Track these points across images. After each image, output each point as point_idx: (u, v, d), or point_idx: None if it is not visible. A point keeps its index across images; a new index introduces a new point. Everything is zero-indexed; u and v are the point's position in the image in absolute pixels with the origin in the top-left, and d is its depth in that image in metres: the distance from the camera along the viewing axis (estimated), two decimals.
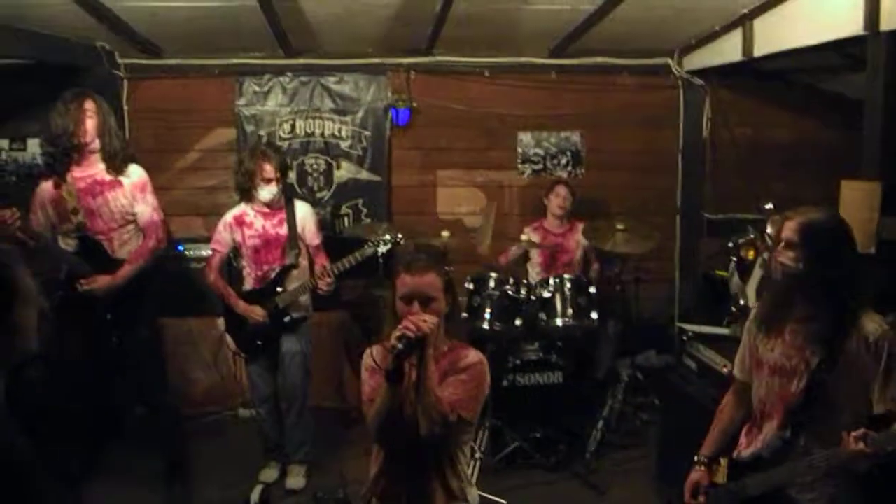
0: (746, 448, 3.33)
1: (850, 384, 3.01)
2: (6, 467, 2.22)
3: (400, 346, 2.82)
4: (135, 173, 5.25)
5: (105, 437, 6.19)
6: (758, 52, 5.99)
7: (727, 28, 6.39)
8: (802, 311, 3.12)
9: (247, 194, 5.53)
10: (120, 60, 7.14)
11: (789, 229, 3.09)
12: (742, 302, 5.60)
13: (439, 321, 3.05)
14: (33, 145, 7.20)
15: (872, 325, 3.01)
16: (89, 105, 5.06)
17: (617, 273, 6.65)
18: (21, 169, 7.26)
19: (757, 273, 5.52)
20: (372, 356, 3.21)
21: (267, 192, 5.43)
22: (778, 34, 5.72)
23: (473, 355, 3.21)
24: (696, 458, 3.46)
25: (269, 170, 5.38)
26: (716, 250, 7.03)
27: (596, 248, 6.78)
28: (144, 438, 5.80)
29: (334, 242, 5.98)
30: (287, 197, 5.67)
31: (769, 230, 5.71)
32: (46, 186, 5.14)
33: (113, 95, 6.59)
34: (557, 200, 6.90)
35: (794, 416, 3.10)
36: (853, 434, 2.80)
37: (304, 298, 5.63)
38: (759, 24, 5.97)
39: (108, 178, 5.14)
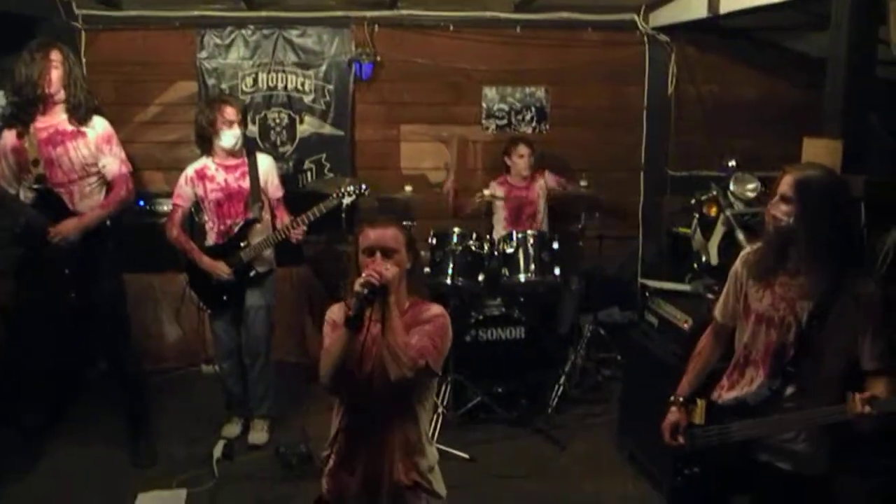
0: (728, 391, 3.36)
1: (837, 340, 3.07)
2: None
3: (364, 291, 2.84)
4: (100, 125, 5.18)
5: (66, 393, 6.16)
6: (724, 9, 5.95)
7: None
8: (794, 265, 3.15)
9: (207, 145, 5.49)
10: (77, 11, 6.99)
11: (786, 184, 3.09)
12: (704, 259, 5.64)
13: (401, 272, 3.06)
14: None
15: (862, 281, 3.07)
16: (55, 55, 4.99)
17: (581, 229, 6.66)
18: None
19: (719, 230, 5.55)
20: (335, 312, 3.21)
21: (230, 135, 5.39)
22: None
23: (436, 308, 3.21)
24: (671, 399, 3.49)
25: (230, 111, 5.36)
26: (679, 207, 7.08)
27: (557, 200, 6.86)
28: (107, 394, 5.78)
29: (298, 197, 5.93)
30: (248, 150, 5.63)
31: (732, 187, 5.74)
32: (9, 136, 5.07)
33: (70, 47, 6.46)
34: (520, 161, 6.89)
35: (783, 368, 3.15)
36: (859, 396, 2.86)
37: (268, 252, 5.60)
38: None
39: (69, 128, 5.06)
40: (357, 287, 2.87)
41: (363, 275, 2.90)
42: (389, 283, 2.91)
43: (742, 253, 3.45)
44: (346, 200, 5.50)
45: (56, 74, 4.98)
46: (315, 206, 5.45)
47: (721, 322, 3.51)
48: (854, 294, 3.03)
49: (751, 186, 5.74)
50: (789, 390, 3.15)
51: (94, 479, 5.17)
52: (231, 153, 5.48)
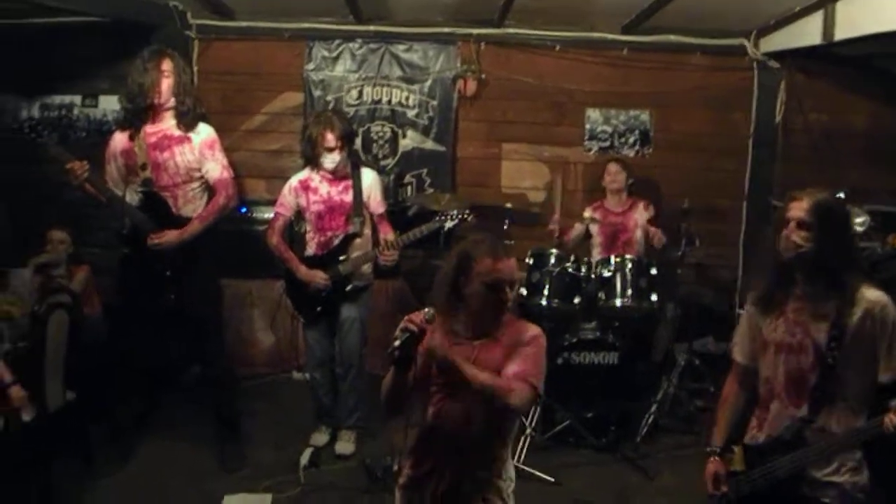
0: (759, 431, 3.30)
1: (858, 358, 3.02)
2: None
3: (396, 343, 2.93)
4: (204, 131, 5.31)
5: (160, 392, 6.29)
6: (839, 35, 5.81)
7: (808, 10, 6.19)
8: (803, 289, 3.12)
9: (311, 161, 5.54)
10: (192, 21, 7.18)
11: (800, 209, 3.05)
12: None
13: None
14: (105, 102, 7.31)
15: (873, 295, 3.03)
16: (166, 65, 5.16)
17: (680, 256, 6.54)
18: (92, 125, 7.38)
19: None
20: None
21: (329, 160, 5.44)
22: (860, 18, 5.53)
23: (534, 328, 3.21)
24: (707, 451, 3.46)
25: (330, 139, 5.38)
26: None
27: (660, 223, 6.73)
28: (200, 396, 5.87)
29: (397, 211, 5.96)
30: (353, 164, 5.65)
31: None
32: (120, 137, 5.25)
33: (183, 55, 6.63)
34: (608, 178, 6.82)
35: (809, 395, 3.10)
36: (893, 404, 2.84)
37: (367, 267, 5.63)
38: (841, 6, 5.78)
39: (177, 133, 5.21)
40: (395, 343, 2.93)
41: (400, 327, 2.95)
42: (425, 330, 2.96)
43: (751, 291, 3.41)
44: (449, 224, 5.47)
45: (166, 84, 5.14)
46: (415, 229, 5.46)
47: (743, 363, 3.44)
48: (868, 307, 2.99)
49: (860, 220, 5.59)
50: (820, 416, 3.08)
51: (182, 479, 5.26)
52: (333, 172, 5.54)
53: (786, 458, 3.13)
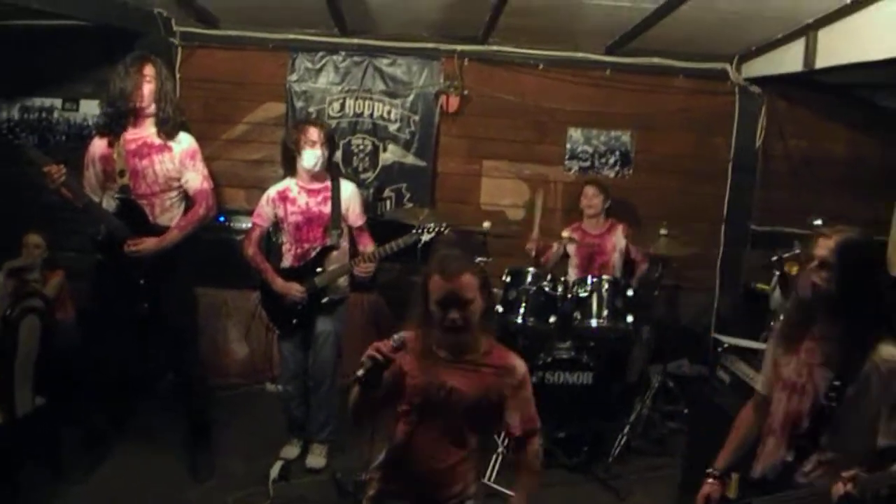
0: (756, 465, 3.28)
1: (859, 415, 2.95)
2: None
3: (360, 373, 2.93)
4: (185, 140, 5.29)
5: (134, 400, 6.24)
6: (820, 63, 5.84)
7: (790, 37, 6.24)
8: (821, 330, 3.06)
9: (291, 165, 5.53)
10: (176, 28, 7.15)
11: (826, 248, 2.98)
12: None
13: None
14: (85, 106, 7.27)
15: (889, 353, 2.92)
16: (149, 70, 5.14)
17: (657, 278, 6.56)
18: (72, 129, 7.32)
19: None
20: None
21: (311, 155, 5.39)
22: (842, 46, 5.58)
23: (520, 364, 3.21)
24: (707, 471, 3.41)
25: (313, 132, 5.37)
26: (759, 263, 6.91)
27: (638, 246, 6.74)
28: (173, 405, 5.82)
29: (375, 225, 5.94)
30: (333, 176, 5.64)
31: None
32: (99, 143, 5.22)
33: (166, 62, 6.61)
34: (585, 201, 6.86)
35: (797, 439, 3.06)
36: (843, 474, 2.74)
37: (343, 280, 5.61)
38: (823, 34, 5.82)
39: (157, 141, 5.18)
40: (359, 372, 2.92)
41: (364, 356, 2.94)
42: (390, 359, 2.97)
43: (778, 324, 3.36)
44: (425, 238, 5.45)
45: (148, 89, 5.12)
46: (391, 242, 5.44)
47: (763, 394, 3.40)
48: (878, 364, 2.90)
49: None
50: (807, 463, 3.04)
51: (153, 487, 5.21)
52: (313, 175, 5.50)
53: (763, 498, 3.10)
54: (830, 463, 2.99)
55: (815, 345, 3.07)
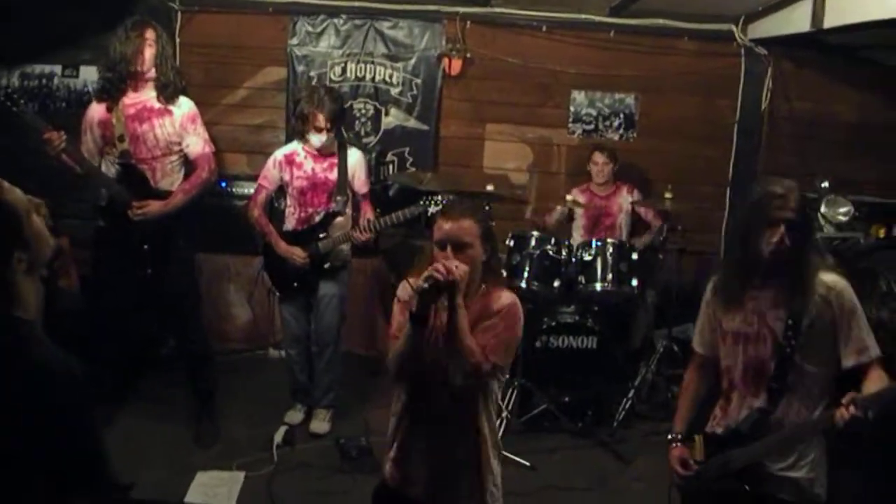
0: (720, 421, 3.28)
1: (816, 345, 3.01)
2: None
3: (425, 285, 2.77)
4: (185, 105, 5.27)
5: (136, 366, 6.24)
6: (828, 23, 5.74)
7: None
8: (763, 280, 3.09)
9: (300, 135, 5.52)
10: None
11: (789, 210, 2.96)
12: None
13: (471, 269, 2.95)
14: (86, 72, 7.19)
15: (830, 279, 3.03)
16: (150, 34, 5.11)
17: (661, 241, 6.52)
18: (72, 96, 7.25)
19: None
20: (405, 290, 3.13)
21: (316, 139, 5.40)
22: (850, 6, 5.48)
23: (506, 297, 3.10)
24: (669, 437, 3.43)
25: (321, 119, 5.32)
26: None
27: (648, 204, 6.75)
28: (176, 372, 5.83)
29: (377, 190, 5.91)
30: (340, 143, 5.62)
31: (823, 209, 5.57)
32: (97, 108, 5.20)
33: (166, 27, 6.54)
34: (595, 168, 6.83)
35: (768, 385, 3.07)
36: (843, 401, 2.79)
37: (346, 247, 5.60)
38: None
39: (157, 105, 5.17)
40: (420, 280, 2.81)
41: (430, 268, 2.82)
42: (457, 283, 2.82)
43: (711, 281, 3.36)
44: (432, 209, 5.37)
45: (149, 53, 5.09)
46: (399, 212, 5.40)
47: (702, 353, 3.42)
48: (824, 293, 2.99)
49: (843, 210, 5.59)
50: (779, 407, 3.05)
51: (156, 454, 5.22)
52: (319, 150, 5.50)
53: (741, 450, 3.11)
54: (797, 400, 3.04)
55: (758, 292, 3.10)
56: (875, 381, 2.91)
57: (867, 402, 2.75)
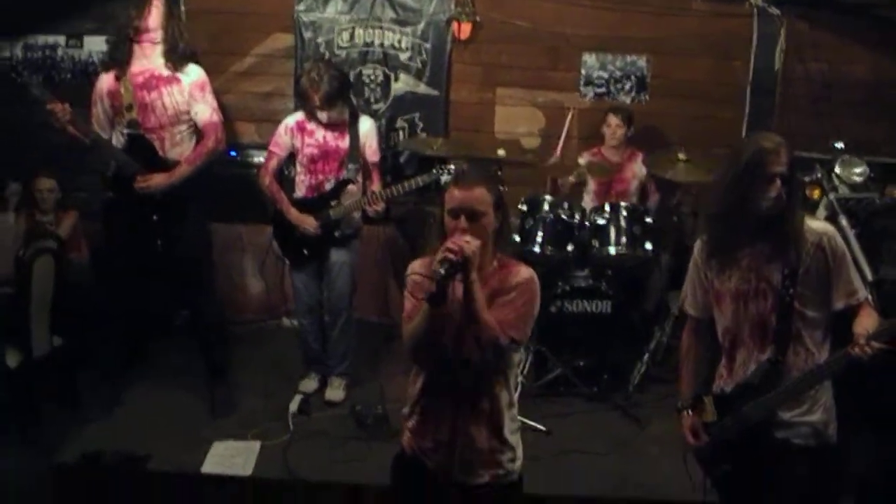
0: (728, 379, 3.29)
1: (814, 291, 3.07)
2: None
3: (442, 270, 2.74)
4: (194, 72, 5.22)
5: (148, 338, 6.24)
6: None
7: None
8: (754, 236, 3.11)
9: (304, 111, 5.51)
10: None
11: (781, 164, 3.01)
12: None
13: (483, 243, 2.92)
14: (90, 43, 7.14)
15: (818, 226, 3.13)
16: (157, 1, 5.04)
17: (676, 204, 6.47)
18: (77, 66, 7.20)
19: (821, 214, 5.34)
20: (416, 270, 3.12)
21: (324, 115, 5.37)
22: None
23: (524, 272, 3.09)
24: (678, 406, 3.45)
25: (316, 99, 5.28)
26: None
27: (655, 176, 6.62)
28: (189, 342, 5.81)
29: (388, 157, 5.86)
30: (351, 111, 5.58)
31: (838, 170, 5.51)
32: (106, 78, 5.17)
33: None
34: (608, 131, 6.75)
35: (773, 337, 3.10)
36: (860, 340, 2.86)
37: (357, 214, 5.57)
38: None
39: (165, 73, 5.12)
40: (435, 265, 2.77)
41: (442, 248, 2.79)
42: (471, 258, 2.78)
43: (698, 242, 3.38)
44: (444, 178, 5.31)
45: (156, 13, 5.04)
46: (411, 180, 5.38)
47: (696, 316, 3.44)
48: (815, 240, 3.06)
49: (858, 170, 5.53)
50: (787, 356, 3.08)
51: (171, 425, 5.22)
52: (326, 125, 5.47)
53: (756, 401, 3.13)
54: (806, 347, 3.10)
55: (751, 250, 3.13)
56: (867, 319, 3.00)
57: (880, 334, 2.82)
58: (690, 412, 3.38)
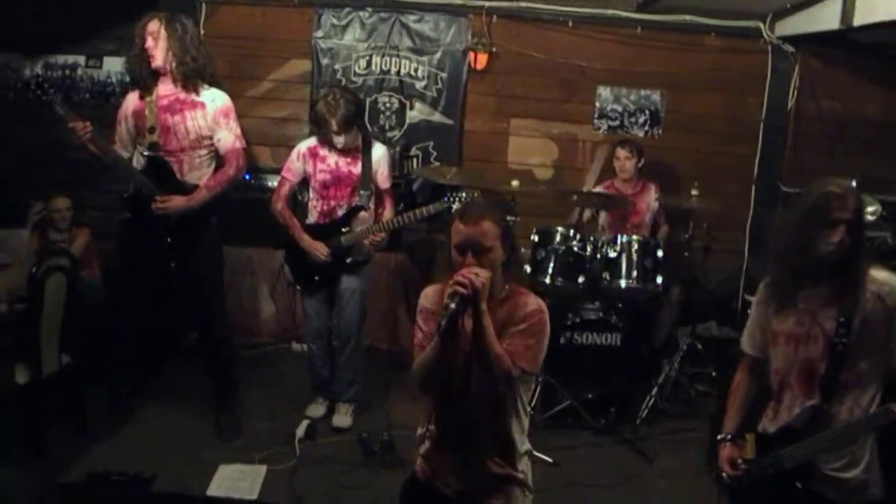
0: (772, 421, 3.24)
1: (869, 343, 2.97)
2: None
3: (452, 304, 2.75)
4: (220, 98, 5.24)
5: (159, 359, 6.25)
6: (858, 21, 5.67)
7: None
8: (820, 278, 3.04)
9: (319, 135, 5.53)
10: None
11: (848, 211, 2.94)
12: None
13: (492, 275, 2.92)
14: (109, 63, 7.23)
15: (882, 276, 2.99)
16: (152, 27, 5.04)
17: (687, 239, 6.48)
18: (96, 87, 7.30)
19: None
20: (429, 297, 3.13)
21: (335, 141, 5.38)
22: (881, 3, 5.41)
23: (533, 302, 3.08)
24: (720, 437, 3.40)
25: (333, 125, 5.28)
26: None
27: (666, 208, 6.65)
28: (199, 364, 5.80)
29: (401, 184, 5.88)
30: (364, 137, 5.58)
31: None
32: (132, 97, 5.21)
33: (190, 19, 6.55)
34: (618, 164, 6.78)
35: (821, 384, 3.04)
36: None
37: (368, 242, 5.57)
38: None
39: (188, 97, 5.14)
40: (445, 300, 2.78)
41: (451, 282, 2.80)
42: (481, 291, 2.80)
43: (763, 281, 3.33)
44: (456, 206, 5.28)
45: (155, 46, 5.03)
46: (423, 208, 5.41)
47: (752, 355, 3.40)
48: (876, 290, 2.95)
49: (871, 209, 5.53)
50: (832, 405, 3.02)
51: (178, 446, 5.22)
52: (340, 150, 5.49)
53: (794, 445, 3.07)
54: (853, 399, 3.01)
55: (809, 293, 3.06)
56: None
57: None
58: (730, 445, 3.34)
